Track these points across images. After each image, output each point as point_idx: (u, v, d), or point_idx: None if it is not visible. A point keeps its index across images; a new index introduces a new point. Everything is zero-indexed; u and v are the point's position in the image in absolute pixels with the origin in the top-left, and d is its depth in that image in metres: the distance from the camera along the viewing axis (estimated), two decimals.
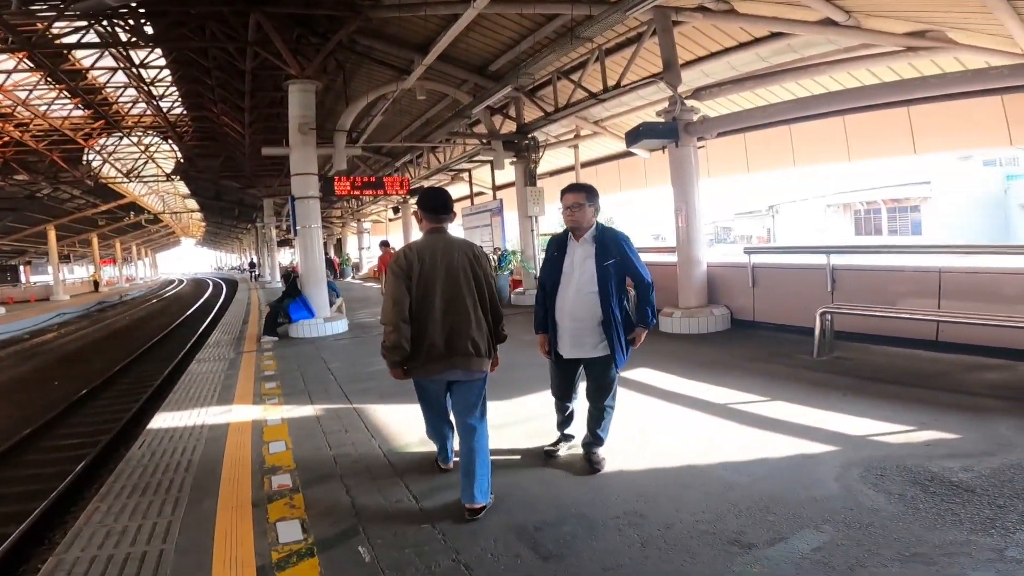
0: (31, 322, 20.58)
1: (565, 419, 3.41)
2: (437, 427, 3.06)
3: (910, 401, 3.98)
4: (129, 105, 16.43)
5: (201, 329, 15.22)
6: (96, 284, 35.93)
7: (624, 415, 3.70)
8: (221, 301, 23.85)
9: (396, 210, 20.45)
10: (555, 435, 3.47)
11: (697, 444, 3.44)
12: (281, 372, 6.32)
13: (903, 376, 4.63)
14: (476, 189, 18.83)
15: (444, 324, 2.63)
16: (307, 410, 4.70)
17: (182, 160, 21.58)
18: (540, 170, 11.85)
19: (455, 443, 2.99)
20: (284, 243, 40.31)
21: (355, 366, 6.45)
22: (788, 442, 3.39)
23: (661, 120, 7.21)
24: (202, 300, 27.17)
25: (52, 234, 27.23)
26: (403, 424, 4.08)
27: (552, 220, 15.42)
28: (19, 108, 15.08)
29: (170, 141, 19.86)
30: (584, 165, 13.62)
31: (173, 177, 22.58)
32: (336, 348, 7.68)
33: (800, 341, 5.94)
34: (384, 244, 12.31)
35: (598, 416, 3.18)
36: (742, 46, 8.21)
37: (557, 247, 3.15)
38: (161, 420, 4.61)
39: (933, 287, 5.43)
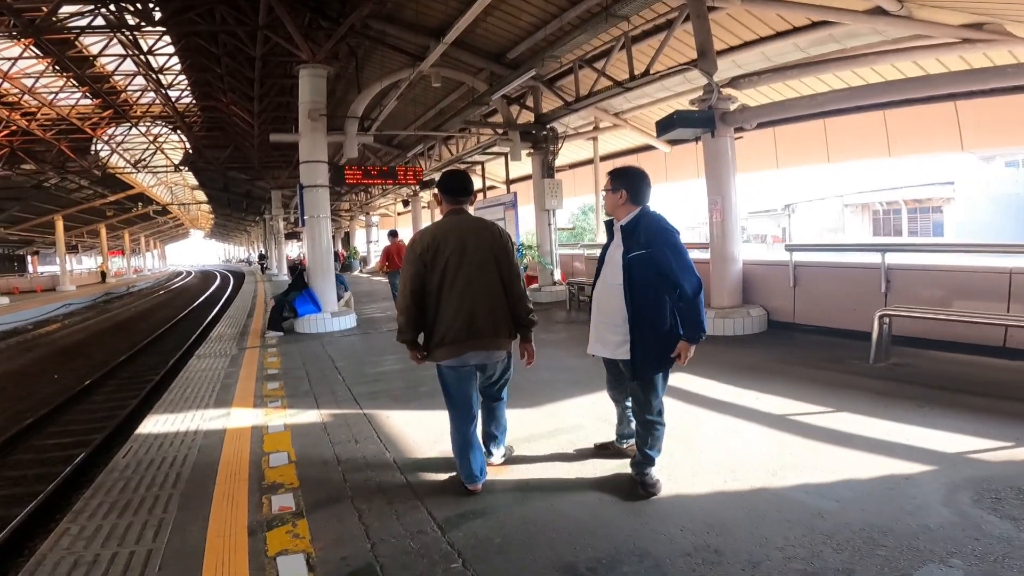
0: (35, 312, 20.35)
1: (619, 420, 3.15)
2: (463, 431, 2.74)
3: (997, 414, 3.51)
4: (138, 94, 16.11)
5: (206, 322, 14.89)
6: (103, 275, 35.81)
7: (667, 427, 3.25)
8: (228, 294, 23.60)
9: (406, 203, 20.02)
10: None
11: (762, 462, 2.98)
12: (285, 371, 5.91)
13: (978, 385, 4.14)
14: (488, 183, 18.45)
15: (463, 306, 2.57)
16: (312, 415, 4.27)
17: (190, 151, 21.29)
18: (558, 163, 11.40)
19: (482, 460, 2.82)
20: (292, 236, 40.08)
21: (364, 365, 6.03)
22: (871, 460, 2.92)
23: (695, 109, 6.72)
24: (208, 293, 26.95)
25: (60, 224, 27.08)
26: (420, 433, 3.65)
27: (568, 214, 14.99)
28: (26, 96, 14.79)
29: (179, 131, 19.57)
30: (603, 158, 13.16)
31: (181, 168, 22.29)
32: (344, 345, 7.27)
33: (848, 345, 5.48)
34: (393, 234, 11.80)
35: (642, 432, 2.76)
36: (779, 35, 7.72)
37: (608, 234, 2.87)
38: (152, 424, 4.20)
39: (1002, 289, 4.93)
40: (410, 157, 16.86)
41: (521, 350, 2.86)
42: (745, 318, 6.43)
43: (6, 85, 14.03)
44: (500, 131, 10.78)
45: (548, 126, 10.64)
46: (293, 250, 30.51)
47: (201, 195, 35.44)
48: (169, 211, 38.60)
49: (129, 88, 15.90)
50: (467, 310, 2.56)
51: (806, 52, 7.65)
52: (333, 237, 35.19)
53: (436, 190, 2.85)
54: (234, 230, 61.01)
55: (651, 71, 7.92)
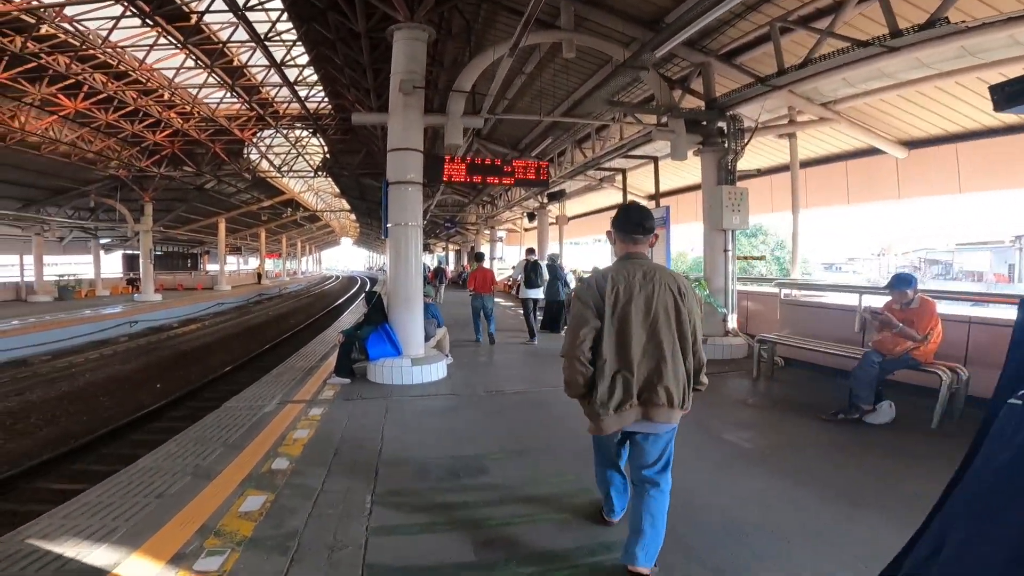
0: (187, 310, 21.61)
1: None
2: (606, 475, 2.73)
3: None
4: (274, 92, 15.92)
5: (311, 339, 13.94)
6: (259, 276, 38.90)
7: None
8: (354, 305, 23.48)
9: (531, 216, 17.76)
10: None
11: None
12: (301, 461, 3.69)
13: None
14: (628, 198, 15.54)
15: (641, 368, 2.26)
16: None
17: (327, 155, 21.34)
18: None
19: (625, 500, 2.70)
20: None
21: (427, 471, 3.59)
22: None
23: None
24: (343, 298, 27.85)
25: (222, 226, 29.38)
26: None
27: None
28: (176, 92, 15.24)
29: (317, 135, 19.53)
30: (806, 164, 9.58)
31: (320, 172, 22.53)
32: (414, 414, 4.94)
33: None
34: (478, 257, 9.88)
35: None
36: None
37: None
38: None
39: None
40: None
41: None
42: None
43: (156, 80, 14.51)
44: (654, 123, 7.94)
45: (729, 114, 7.57)
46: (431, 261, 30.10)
47: (345, 204, 36.99)
48: (319, 218, 41.10)
49: (267, 86, 15.73)
50: (642, 374, 2.26)
51: None
52: (459, 252, 34.35)
53: (610, 228, 2.40)
54: (375, 239, 64.63)
55: (944, 19, 4.61)
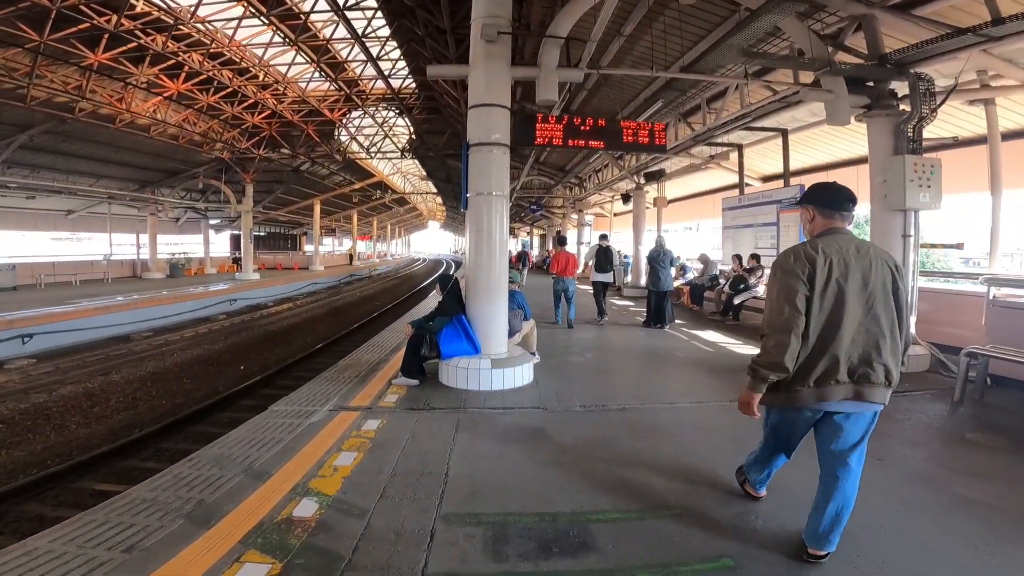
0: (284, 289, 22.29)
1: None
2: (771, 460, 2.65)
3: None
4: (359, 69, 15.49)
5: (391, 323, 13.48)
6: (351, 258, 40.14)
7: None
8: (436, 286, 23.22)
9: (626, 198, 16.05)
10: None
11: None
12: (330, 513, 2.69)
13: None
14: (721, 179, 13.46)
15: (855, 344, 2.17)
16: None
17: (413, 136, 20.93)
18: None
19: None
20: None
21: (515, 530, 2.50)
22: None
23: None
24: (428, 281, 27.87)
25: (317, 208, 30.27)
26: None
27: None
28: (268, 72, 15.28)
29: (403, 116, 19.10)
30: (1009, 136, 7.31)
31: (407, 154, 22.24)
32: (498, 436, 3.83)
33: None
34: (561, 241, 9.65)
35: None
36: None
37: None
38: None
39: None
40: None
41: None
42: None
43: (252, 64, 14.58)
44: (787, 88, 6.20)
45: (914, 71, 5.72)
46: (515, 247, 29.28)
47: (431, 187, 37.06)
48: (407, 200, 41.63)
49: (352, 65, 15.34)
50: (860, 350, 2.17)
51: None
52: (543, 237, 33.07)
53: (804, 205, 2.38)
54: (461, 223, 65.05)
55: None
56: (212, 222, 29.18)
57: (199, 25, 11.91)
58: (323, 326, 15.77)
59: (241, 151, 20.22)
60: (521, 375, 5.04)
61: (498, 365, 4.89)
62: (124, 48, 12.09)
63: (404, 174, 35.66)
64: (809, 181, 11.63)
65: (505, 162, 5.02)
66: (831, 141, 11.22)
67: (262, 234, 37.28)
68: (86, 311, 12.14)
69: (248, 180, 21.87)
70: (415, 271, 43.44)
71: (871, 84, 6.11)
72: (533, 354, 6.01)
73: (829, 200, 2.30)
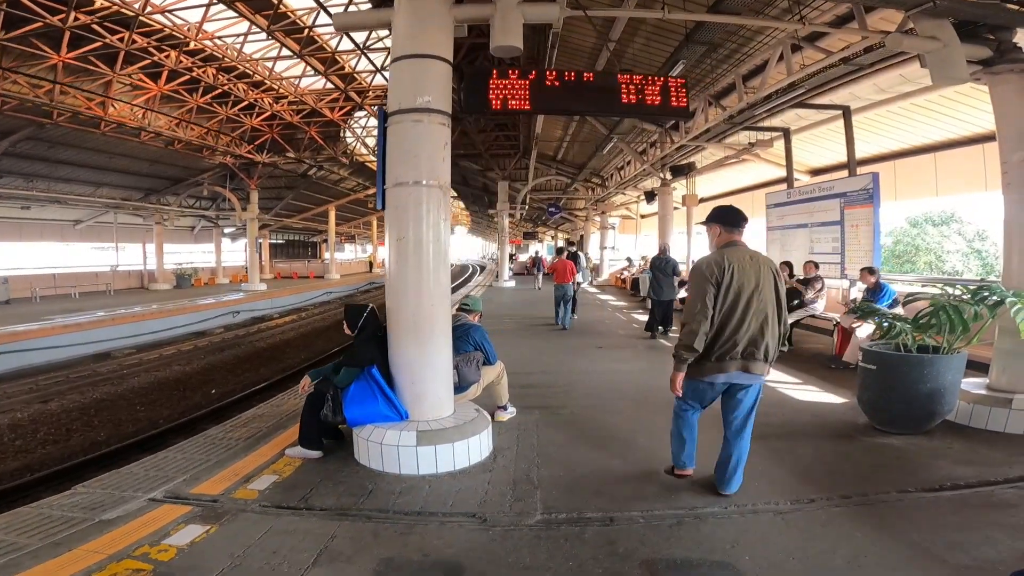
0: (289, 300, 21.28)
1: None
2: (691, 420, 3.10)
3: None
4: (353, 60, 14.18)
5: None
6: (371, 265, 39.17)
7: None
8: (457, 292, 21.91)
9: (651, 196, 14.15)
10: None
11: None
12: None
13: None
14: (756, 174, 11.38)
15: (747, 330, 2.78)
16: None
17: None
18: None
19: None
20: (529, 235, 37.82)
21: None
22: None
23: None
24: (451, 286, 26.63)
25: (332, 214, 29.27)
26: None
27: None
28: (249, 65, 14.16)
29: None
30: None
31: None
32: (386, 571, 2.24)
33: None
34: (559, 251, 9.73)
35: None
36: None
37: None
38: None
39: None
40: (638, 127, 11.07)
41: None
42: None
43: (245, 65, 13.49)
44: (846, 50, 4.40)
45: None
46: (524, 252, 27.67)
47: (452, 192, 35.83)
48: None
49: (340, 52, 14.04)
50: (750, 335, 2.78)
51: None
52: (569, 241, 31.50)
53: (709, 223, 3.02)
54: (486, 227, 63.67)
55: None
56: (227, 230, 28.58)
57: (158, 16, 10.82)
58: (323, 340, 14.63)
59: (242, 156, 19.28)
60: (468, 450, 3.41)
61: (428, 440, 3.26)
62: (91, 47, 11.11)
63: None
64: (879, 170, 9.66)
65: (442, 137, 3.41)
66: (899, 123, 9.20)
67: (280, 242, 36.69)
68: (53, 329, 11.18)
69: (253, 186, 20.95)
70: None
71: (991, 35, 4.30)
72: (504, 407, 4.39)
73: (733, 219, 2.97)
